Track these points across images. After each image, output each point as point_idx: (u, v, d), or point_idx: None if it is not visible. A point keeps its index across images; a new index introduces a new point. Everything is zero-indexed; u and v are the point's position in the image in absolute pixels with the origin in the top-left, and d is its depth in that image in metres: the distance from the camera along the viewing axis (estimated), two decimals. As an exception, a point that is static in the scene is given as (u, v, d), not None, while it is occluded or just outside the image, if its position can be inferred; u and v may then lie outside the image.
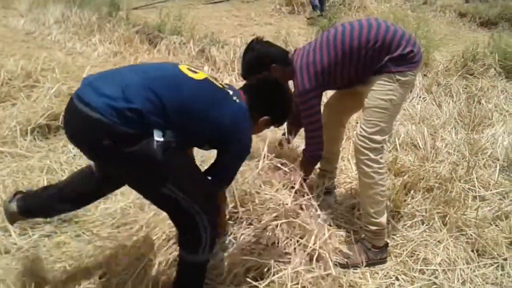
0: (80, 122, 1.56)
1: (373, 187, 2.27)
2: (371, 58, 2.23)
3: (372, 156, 2.23)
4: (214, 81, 1.83)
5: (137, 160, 1.56)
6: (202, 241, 1.77)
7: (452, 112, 4.22)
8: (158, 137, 1.56)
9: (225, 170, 1.87)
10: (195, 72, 1.77)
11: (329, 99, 2.76)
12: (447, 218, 2.64)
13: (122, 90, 1.54)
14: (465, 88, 4.81)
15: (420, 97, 4.66)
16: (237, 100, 1.83)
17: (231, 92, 1.85)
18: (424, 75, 5.08)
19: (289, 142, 2.91)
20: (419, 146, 3.55)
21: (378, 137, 2.23)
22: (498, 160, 3.44)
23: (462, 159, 3.42)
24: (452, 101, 4.55)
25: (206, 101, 1.71)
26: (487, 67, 5.29)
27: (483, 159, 3.43)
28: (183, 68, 1.77)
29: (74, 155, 3.08)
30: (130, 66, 1.81)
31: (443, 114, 4.24)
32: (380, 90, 2.23)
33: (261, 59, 2.40)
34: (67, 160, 3.03)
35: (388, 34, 2.20)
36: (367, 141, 2.23)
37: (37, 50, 5.55)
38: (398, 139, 3.58)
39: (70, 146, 3.13)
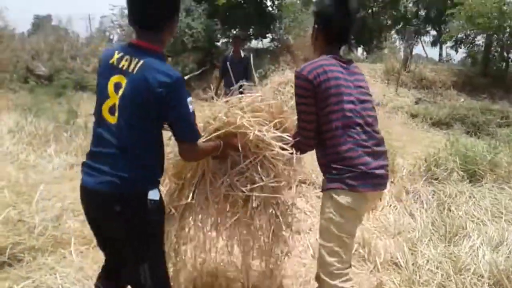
0: (94, 201, 1.88)
1: None
2: (334, 133, 2.09)
3: (330, 281, 2.03)
4: (120, 99, 1.83)
5: (141, 207, 1.85)
6: None
7: (426, 223, 4.11)
8: (153, 196, 1.86)
9: (190, 126, 1.90)
10: (113, 112, 1.85)
11: None
12: None
13: (114, 165, 1.82)
14: (433, 194, 4.80)
15: (390, 205, 4.58)
16: (144, 60, 1.82)
17: (140, 65, 1.82)
18: (391, 182, 5.05)
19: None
20: (401, 265, 3.36)
21: (329, 259, 2.04)
22: (483, 277, 3.27)
23: (447, 278, 3.23)
24: (423, 209, 4.49)
25: (144, 115, 1.82)
26: (450, 171, 5.36)
27: (468, 277, 3.26)
28: (107, 117, 1.87)
29: (21, 300, 2.68)
30: (97, 138, 1.91)
31: (417, 224, 4.13)
32: (322, 206, 2.12)
33: (317, 13, 2.28)
34: (12, 306, 2.62)
35: (372, 123, 2.15)
36: (321, 263, 2.07)
37: (-14, 165, 5.21)
38: (379, 258, 3.38)
39: (17, 287, 2.73)
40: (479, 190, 5.02)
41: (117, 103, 1.82)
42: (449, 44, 18.04)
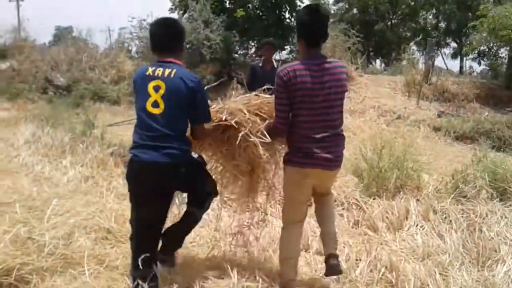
0: (155, 170, 2.61)
1: None
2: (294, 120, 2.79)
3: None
4: (162, 97, 2.62)
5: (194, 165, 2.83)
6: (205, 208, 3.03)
7: (457, 245, 3.86)
8: (195, 155, 2.89)
9: (205, 112, 2.80)
10: (157, 106, 2.63)
11: None
12: None
13: (167, 143, 2.60)
14: (463, 213, 4.54)
15: (417, 225, 4.34)
16: (174, 70, 2.66)
17: (172, 73, 2.64)
18: (417, 199, 4.81)
19: None
20: (433, 292, 3.13)
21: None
22: (522, 306, 3.03)
23: (484, 308, 2.99)
24: (453, 229, 4.23)
25: (181, 108, 2.66)
26: (479, 189, 5.09)
27: (506, 306, 3.01)
28: (151, 110, 2.62)
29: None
30: (146, 126, 2.64)
31: (447, 247, 3.88)
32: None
33: (297, 21, 3.00)
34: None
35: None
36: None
37: (1, 176, 5.12)
38: (408, 284, 3.15)
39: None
40: (511, 210, 4.75)
41: (158, 99, 2.60)
42: (470, 56, 17.66)
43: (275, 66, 5.90)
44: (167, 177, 2.62)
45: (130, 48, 15.28)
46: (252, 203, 3.46)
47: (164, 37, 2.76)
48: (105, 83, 12.79)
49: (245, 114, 2.91)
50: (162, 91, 2.59)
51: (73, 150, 6.30)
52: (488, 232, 4.20)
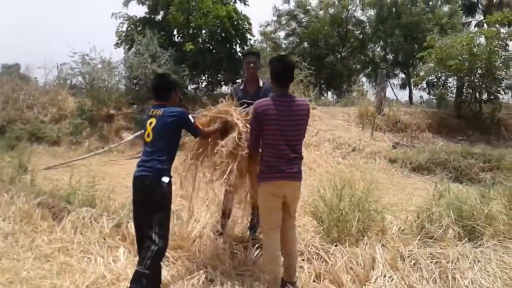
0: (136, 182, 3.60)
1: None
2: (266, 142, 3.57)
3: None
4: (152, 129, 3.61)
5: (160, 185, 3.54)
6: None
7: (432, 301, 3.41)
8: (165, 179, 3.54)
9: (193, 128, 3.76)
10: (149, 136, 3.62)
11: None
12: None
13: (147, 163, 3.57)
14: (432, 258, 4.12)
15: (385, 276, 3.87)
16: (162, 110, 3.66)
17: (161, 112, 3.63)
18: (382, 245, 4.35)
19: None
20: None
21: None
22: None
23: None
24: (424, 279, 3.79)
25: (163, 137, 3.61)
26: (445, 228, 4.72)
27: None
28: (146, 139, 3.64)
29: None
30: (143, 150, 3.72)
31: (421, 302, 3.42)
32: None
33: (269, 65, 3.73)
34: None
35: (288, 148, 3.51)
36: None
37: None
38: None
39: None
40: (482, 251, 4.36)
41: (150, 132, 3.59)
42: (419, 86, 17.93)
43: (260, 86, 4.68)
44: (143, 187, 3.53)
45: (73, 82, 14.32)
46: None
47: (154, 88, 3.85)
48: (44, 122, 11.85)
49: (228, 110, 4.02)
50: (152, 126, 3.59)
51: (-4, 201, 5.50)
52: (462, 280, 3.81)
